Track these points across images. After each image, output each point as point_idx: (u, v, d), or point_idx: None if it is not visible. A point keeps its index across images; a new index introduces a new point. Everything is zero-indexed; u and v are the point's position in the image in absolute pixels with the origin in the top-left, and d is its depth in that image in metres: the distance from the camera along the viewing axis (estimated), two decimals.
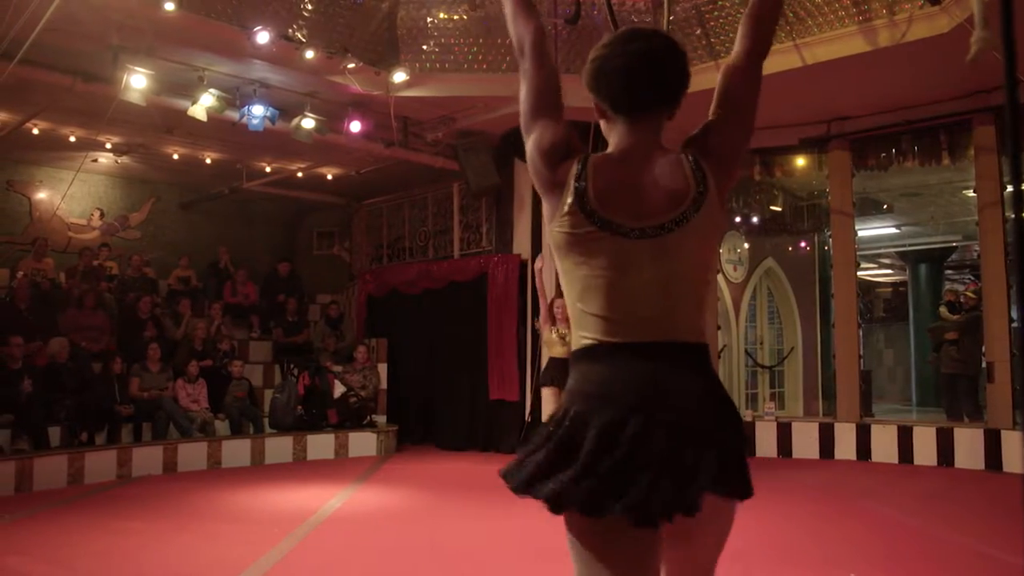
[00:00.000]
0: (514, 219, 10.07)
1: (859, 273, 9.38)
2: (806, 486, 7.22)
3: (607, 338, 1.65)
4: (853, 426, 8.82)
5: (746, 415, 9.62)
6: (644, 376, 1.60)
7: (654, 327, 1.64)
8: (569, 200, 1.68)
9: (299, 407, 9.44)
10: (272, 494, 7.01)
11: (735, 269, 11.39)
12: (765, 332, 11.47)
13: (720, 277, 10.77)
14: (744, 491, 1.61)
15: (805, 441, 9.07)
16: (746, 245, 11.55)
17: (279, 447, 9.06)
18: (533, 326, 9.18)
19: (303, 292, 11.97)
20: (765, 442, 9.23)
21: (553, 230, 1.73)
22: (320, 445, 9.31)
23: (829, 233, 9.65)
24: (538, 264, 6.93)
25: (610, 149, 1.77)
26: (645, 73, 1.72)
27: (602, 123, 1.83)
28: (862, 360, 9.21)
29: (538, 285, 6.99)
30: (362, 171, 10.90)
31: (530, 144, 1.77)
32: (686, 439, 1.54)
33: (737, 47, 1.83)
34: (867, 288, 16.61)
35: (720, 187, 1.71)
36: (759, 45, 1.84)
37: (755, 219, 11.13)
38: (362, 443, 9.56)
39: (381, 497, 6.91)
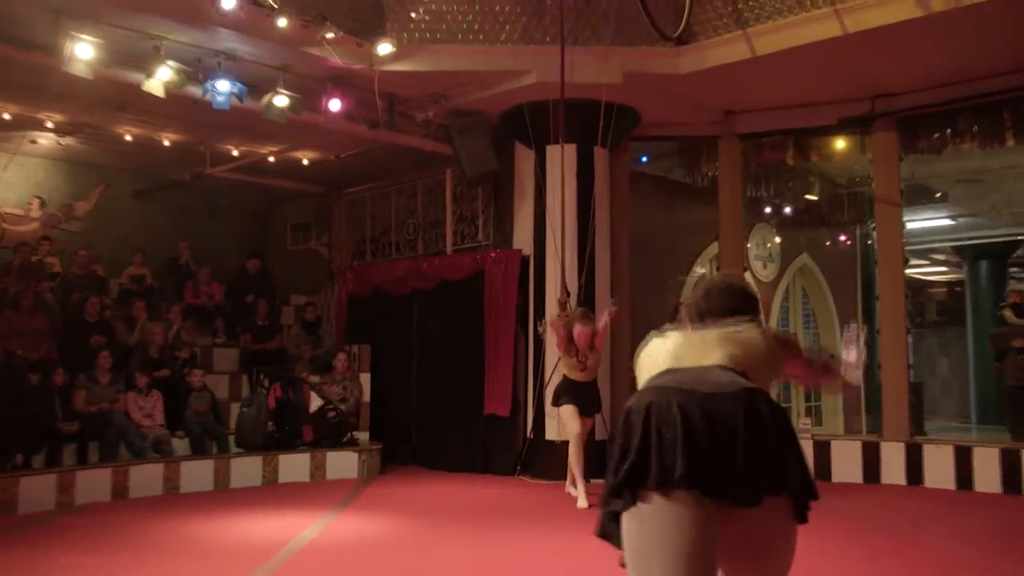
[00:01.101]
0: (514, 210, 10.11)
1: (908, 271, 9.41)
2: (849, 515, 7.21)
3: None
4: (902, 446, 8.82)
5: None
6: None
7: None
8: None
9: (270, 423, 9.45)
10: (238, 523, 7.00)
11: (765, 266, 11.45)
12: (800, 337, 11.54)
13: (748, 275, 10.80)
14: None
15: (847, 463, 9.06)
16: (777, 239, 11.59)
17: (246, 469, 9.07)
18: (536, 329, 9.19)
19: (275, 292, 12.00)
20: None
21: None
22: (293, 466, 9.32)
23: (873, 225, 9.71)
24: (551, 323, 8.10)
25: None
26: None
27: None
28: (912, 371, 9.24)
29: (556, 333, 7.84)
30: (342, 155, 10.91)
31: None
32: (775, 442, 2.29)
33: (798, 364, 2.74)
34: (918, 288, 16.60)
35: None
36: (796, 373, 2.80)
37: (788, 209, 11.26)
38: (342, 464, 9.57)
39: (363, 525, 6.93)
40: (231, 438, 9.42)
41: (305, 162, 11.35)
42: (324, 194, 12.95)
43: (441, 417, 10.42)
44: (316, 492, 8.59)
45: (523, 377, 9.73)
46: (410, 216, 11.71)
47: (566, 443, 7.98)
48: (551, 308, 9.06)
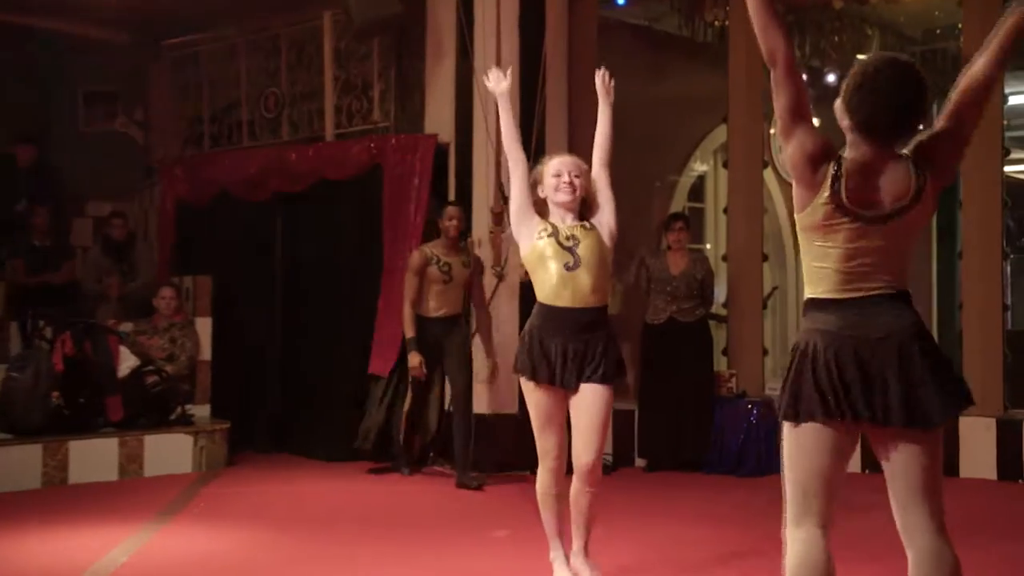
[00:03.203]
0: (427, 76, 10.15)
1: (1008, 168, 9.55)
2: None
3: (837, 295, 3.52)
4: (992, 423, 8.89)
5: None
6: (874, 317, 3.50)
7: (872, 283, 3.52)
8: (827, 194, 3.44)
9: (55, 394, 9.25)
10: (7, 545, 6.87)
11: None
12: None
13: (768, 174, 10.96)
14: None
15: None
16: (816, 120, 11.46)
17: (19, 463, 8.88)
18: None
19: (62, 197, 11.77)
20: None
21: (803, 216, 3.52)
22: (93, 459, 9.15)
23: None
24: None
25: (854, 155, 3.49)
26: (896, 117, 3.45)
27: (845, 130, 3.55)
28: (1009, 314, 9.36)
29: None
30: None
31: (795, 146, 3.49)
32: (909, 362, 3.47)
33: (982, 62, 3.48)
34: (1021, 193, 16.60)
35: (935, 187, 3.49)
36: (999, 70, 3.52)
37: (832, 77, 11.17)
38: (168, 453, 9.53)
39: (197, 543, 6.96)
40: None
41: None
42: (135, 47, 12.70)
43: (318, 382, 10.47)
44: (128, 496, 8.53)
45: None
46: (270, 83, 11.63)
47: (504, 421, 7.90)
48: (481, 221, 9.23)
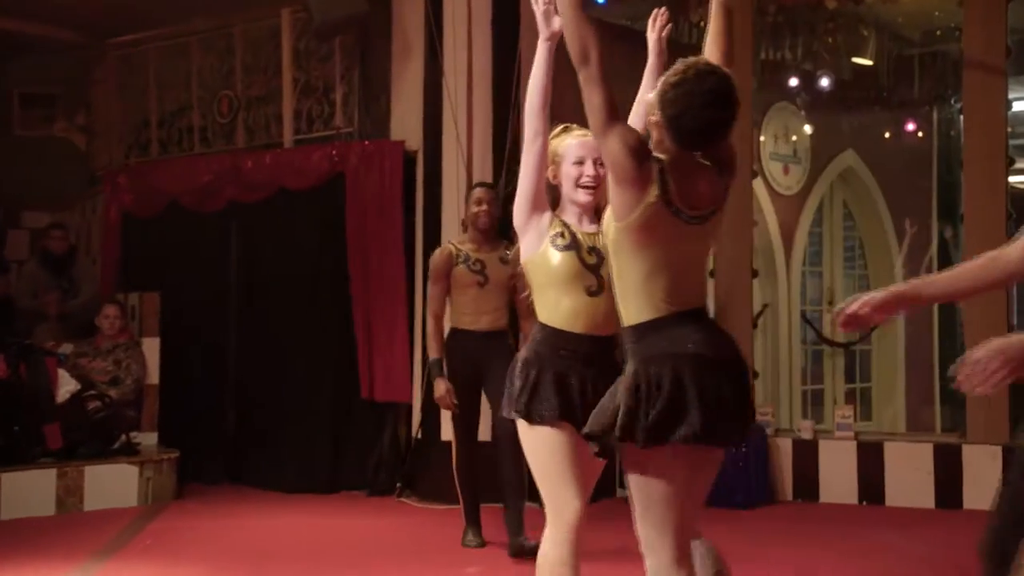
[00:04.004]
0: (392, 77, 10.19)
1: (1013, 178, 9.48)
2: (912, 559, 7.25)
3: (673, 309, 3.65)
4: (997, 451, 8.78)
5: (802, 428, 9.75)
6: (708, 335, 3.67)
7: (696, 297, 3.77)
8: (656, 192, 3.54)
9: None
10: None
11: (786, 171, 11.62)
12: (838, 282, 11.67)
13: (758, 184, 10.82)
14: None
15: (910, 477, 9.10)
16: (807, 128, 11.60)
17: None
18: (427, 266, 9.22)
19: None
20: (836, 476, 9.30)
21: (631, 219, 3.58)
22: (28, 491, 9.03)
23: (959, 105, 9.75)
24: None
25: (670, 153, 3.61)
26: (715, 128, 3.60)
27: (653, 133, 3.68)
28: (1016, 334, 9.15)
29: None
30: None
31: (616, 142, 3.56)
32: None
33: (711, 57, 3.89)
34: None
35: (729, 186, 3.77)
36: (729, 61, 3.90)
37: (825, 81, 11.14)
38: (112, 485, 9.42)
39: None
40: None
41: None
42: (77, 45, 12.65)
43: (276, 408, 10.44)
44: (67, 532, 8.43)
45: (405, 342, 9.83)
46: (224, 85, 11.56)
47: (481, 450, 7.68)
48: (451, 233, 9.04)
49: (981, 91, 9.07)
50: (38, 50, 12.63)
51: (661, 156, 3.61)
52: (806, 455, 9.37)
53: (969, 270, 3.52)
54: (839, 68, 10.99)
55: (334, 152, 10.17)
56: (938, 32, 10.82)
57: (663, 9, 4.75)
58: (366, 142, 10.13)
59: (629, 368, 3.62)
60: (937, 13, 10.17)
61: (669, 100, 3.58)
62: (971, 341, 8.97)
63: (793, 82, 11.19)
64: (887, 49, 11.07)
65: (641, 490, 3.63)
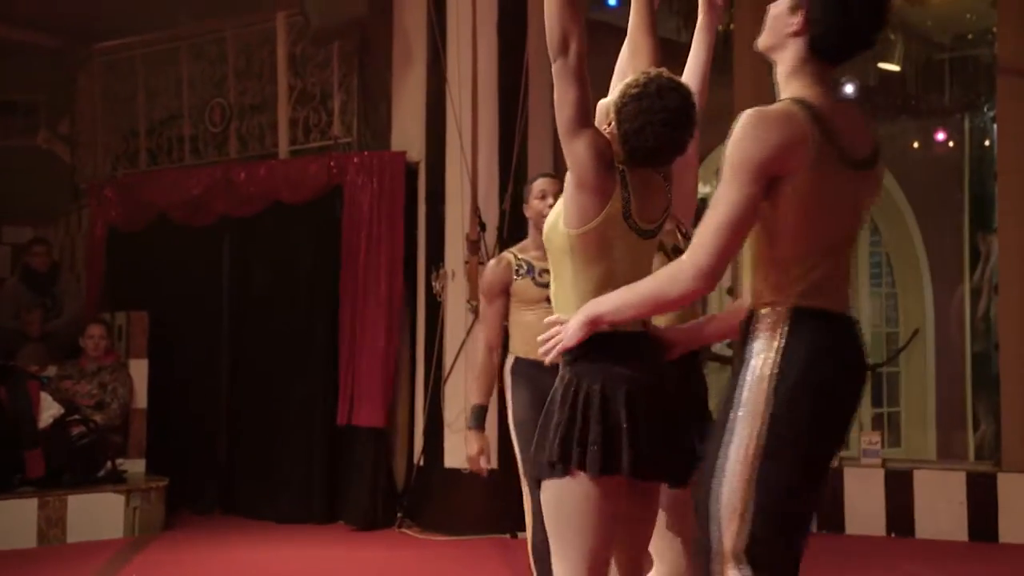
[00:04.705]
0: (393, 85, 10.19)
1: None
2: None
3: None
4: None
5: None
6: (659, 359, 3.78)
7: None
8: (619, 204, 3.60)
9: None
10: None
11: None
12: (864, 300, 11.60)
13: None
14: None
15: (941, 507, 9.02)
16: None
17: None
18: (430, 284, 9.27)
19: None
20: (863, 506, 9.23)
21: (589, 228, 3.60)
22: (8, 521, 8.92)
23: (992, 113, 9.80)
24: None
25: (627, 167, 3.65)
26: (671, 148, 3.64)
27: (608, 130, 3.67)
28: None
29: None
30: None
31: (586, 145, 3.57)
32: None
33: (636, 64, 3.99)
34: None
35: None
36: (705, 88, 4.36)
37: (850, 88, 11.13)
38: (97, 515, 9.33)
39: None
40: None
41: None
42: (61, 51, 12.74)
43: (270, 433, 10.40)
44: (49, 565, 8.39)
45: (407, 366, 9.85)
46: (215, 93, 11.53)
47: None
48: (455, 250, 9.12)
49: (1016, 98, 9.03)
50: (19, 56, 12.65)
51: (621, 165, 3.61)
52: (831, 483, 9.22)
53: (646, 287, 3.44)
54: (864, 74, 11.02)
55: (331, 163, 10.14)
56: (970, 36, 10.88)
57: None
58: (365, 153, 10.09)
59: (563, 386, 3.60)
60: (968, 15, 10.29)
61: (628, 114, 3.59)
62: (1006, 361, 8.98)
63: None
64: (915, 54, 11.11)
65: (561, 521, 3.58)
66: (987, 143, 10.72)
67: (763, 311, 3.29)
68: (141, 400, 10.15)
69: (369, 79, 10.32)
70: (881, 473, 9.21)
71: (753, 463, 3.18)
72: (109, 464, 9.51)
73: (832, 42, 3.29)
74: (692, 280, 3.23)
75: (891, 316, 11.80)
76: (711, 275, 3.22)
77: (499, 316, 5.94)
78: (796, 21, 3.28)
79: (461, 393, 8.79)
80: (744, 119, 3.21)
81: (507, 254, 6.06)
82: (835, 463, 9.18)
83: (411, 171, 9.81)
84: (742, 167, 3.15)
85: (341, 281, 9.97)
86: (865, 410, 11.19)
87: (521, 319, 5.84)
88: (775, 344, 3.21)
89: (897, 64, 10.91)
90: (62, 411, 9.48)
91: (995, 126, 9.52)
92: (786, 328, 3.22)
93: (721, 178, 3.23)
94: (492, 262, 6.20)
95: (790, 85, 3.33)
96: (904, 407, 11.56)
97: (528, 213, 6.02)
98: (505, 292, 5.92)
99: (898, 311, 11.75)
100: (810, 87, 3.29)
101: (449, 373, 9.15)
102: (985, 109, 10.77)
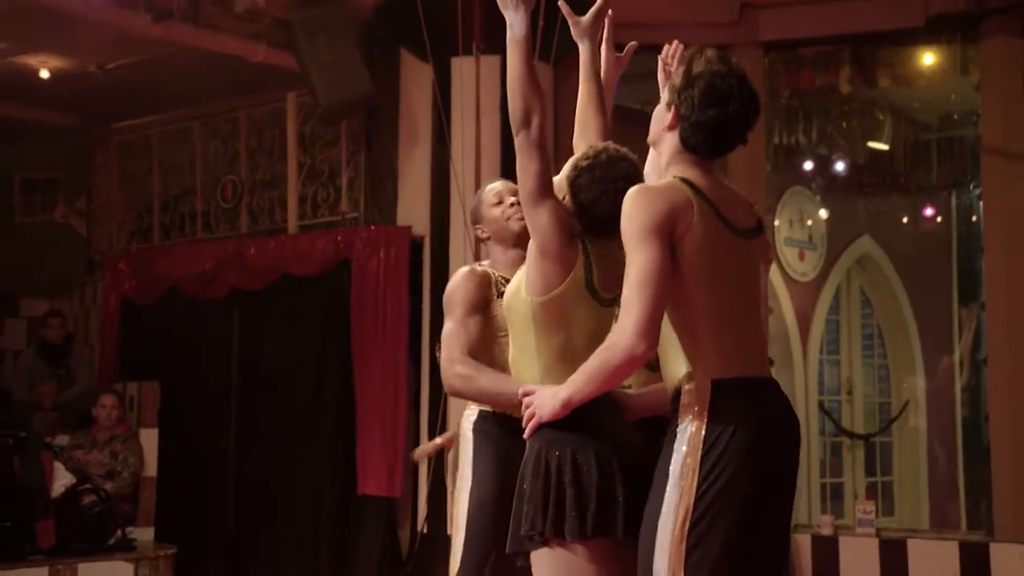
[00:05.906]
0: (400, 162, 10.23)
1: None
2: None
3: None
4: None
5: (822, 523, 9.64)
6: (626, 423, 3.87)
7: None
8: (581, 272, 3.74)
9: None
10: None
11: (802, 257, 11.51)
12: (857, 371, 11.60)
13: (773, 271, 10.82)
14: None
15: None
16: (823, 212, 11.65)
17: None
18: (434, 355, 9.11)
19: None
20: (858, 574, 9.24)
21: (552, 296, 3.75)
22: None
23: (978, 191, 9.73)
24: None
25: (588, 236, 3.84)
26: (616, 214, 3.51)
27: (560, 191, 3.85)
28: None
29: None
30: (110, 66, 10.72)
31: (549, 214, 3.69)
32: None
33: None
34: None
35: None
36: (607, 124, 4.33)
37: (840, 166, 11.28)
38: None
39: None
40: None
41: (44, 74, 10.96)
42: (80, 130, 12.72)
43: (279, 501, 10.39)
44: None
45: (411, 432, 9.80)
46: (227, 170, 11.63)
47: None
48: None
49: (1000, 176, 9.11)
50: (40, 135, 12.73)
51: (582, 236, 3.77)
52: (826, 552, 9.29)
53: (592, 363, 3.49)
54: (854, 152, 11.04)
55: (339, 238, 10.19)
56: (955, 116, 10.84)
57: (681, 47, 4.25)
58: (372, 227, 10.15)
59: (533, 456, 3.67)
60: (953, 97, 10.20)
61: (582, 186, 3.78)
62: (996, 431, 9.01)
63: (808, 166, 11.26)
64: (903, 133, 11.09)
65: None
66: (974, 219, 10.66)
67: (686, 387, 3.40)
68: (151, 469, 10.20)
69: (376, 156, 10.37)
70: (876, 543, 9.20)
71: (685, 536, 3.24)
72: (119, 532, 9.43)
73: (700, 139, 3.49)
74: (630, 342, 3.30)
75: (883, 387, 11.79)
76: (645, 332, 3.29)
77: (477, 330, 4.68)
78: (669, 117, 3.56)
79: None
80: (631, 195, 3.42)
81: (484, 268, 4.86)
82: (831, 532, 9.37)
83: (416, 245, 9.86)
84: (640, 233, 3.32)
85: (353, 353, 9.96)
86: (859, 479, 11.13)
87: (488, 356, 4.64)
88: (700, 420, 3.32)
89: (886, 143, 10.92)
90: (74, 480, 9.45)
91: (981, 203, 9.55)
92: (708, 400, 3.33)
93: (627, 255, 3.40)
94: (464, 272, 4.87)
95: (670, 170, 3.58)
96: (897, 476, 11.49)
97: (486, 230, 4.92)
98: (486, 307, 4.69)
99: (890, 382, 11.73)
100: (690, 168, 3.52)
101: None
102: (971, 186, 10.69)
